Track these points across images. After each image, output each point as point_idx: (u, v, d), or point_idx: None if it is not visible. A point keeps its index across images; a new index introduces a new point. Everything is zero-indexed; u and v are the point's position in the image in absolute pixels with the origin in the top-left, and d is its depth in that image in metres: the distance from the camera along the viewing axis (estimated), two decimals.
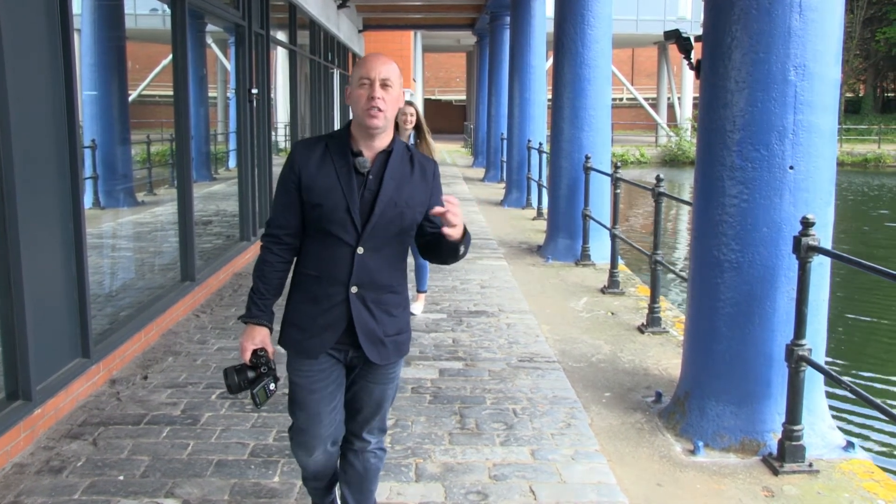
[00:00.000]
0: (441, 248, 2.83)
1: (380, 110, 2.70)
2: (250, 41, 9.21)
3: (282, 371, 2.99)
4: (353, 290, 2.79)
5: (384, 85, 2.71)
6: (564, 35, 9.22)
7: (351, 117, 2.85)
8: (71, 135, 4.68)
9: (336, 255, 2.78)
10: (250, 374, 2.82)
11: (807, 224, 3.91)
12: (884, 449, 6.77)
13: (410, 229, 2.85)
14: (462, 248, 2.80)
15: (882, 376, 8.69)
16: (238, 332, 6.32)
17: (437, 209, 2.68)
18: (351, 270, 2.77)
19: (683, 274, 5.87)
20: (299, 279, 2.88)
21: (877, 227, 19.93)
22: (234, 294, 7.56)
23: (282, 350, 2.95)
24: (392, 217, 2.78)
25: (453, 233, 2.69)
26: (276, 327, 2.91)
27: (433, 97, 56.79)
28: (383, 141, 2.82)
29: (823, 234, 4.08)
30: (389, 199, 2.77)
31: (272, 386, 2.86)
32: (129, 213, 7.46)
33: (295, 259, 2.92)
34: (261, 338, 2.85)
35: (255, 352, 2.83)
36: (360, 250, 2.76)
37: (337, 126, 19.60)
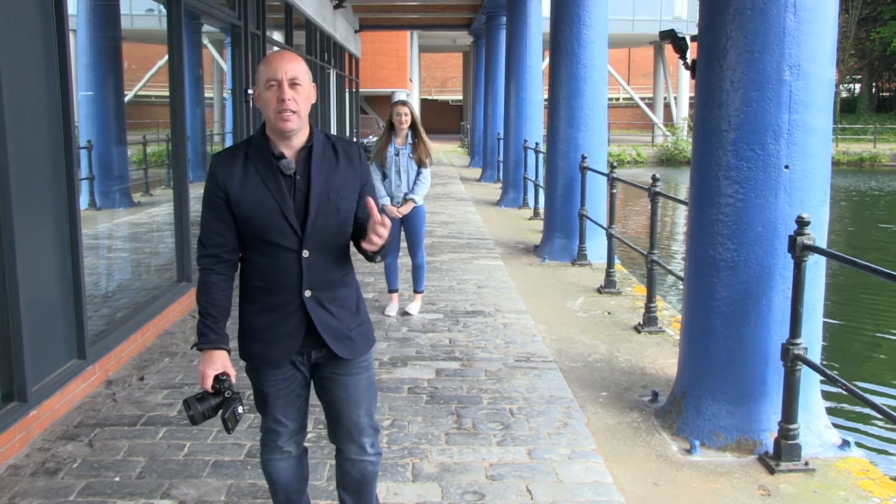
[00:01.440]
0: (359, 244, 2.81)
1: (292, 112, 2.63)
2: (246, 41, 9.21)
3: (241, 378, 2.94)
4: (307, 293, 2.73)
5: (293, 84, 2.62)
6: (560, 35, 9.23)
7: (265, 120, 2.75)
8: (66, 135, 4.67)
9: (282, 263, 2.71)
10: (213, 402, 2.72)
11: (802, 223, 3.92)
12: (879, 447, 6.78)
13: (348, 219, 2.78)
14: (377, 258, 2.79)
15: (876, 375, 8.71)
16: (234, 333, 6.29)
17: (372, 209, 2.63)
18: (301, 275, 2.71)
19: (680, 273, 5.88)
20: (249, 291, 2.81)
21: (867, 228, 19.93)
22: None
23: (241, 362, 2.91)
24: (328, 212, 2.70)
25: (370, 246, 2.68)
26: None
27: (430, 97, 56.81)
28: (301, 138, 2.74)
29: (818, 234, 4.08)
30: (321, 194, 2.70)
31: (240, 409, 2.77)
32: (125, 214, 7.45)
33: (236, 273, 2.85)
34: (221, 362, 2.76)
35: (216, 377, 2.73)
36: (305, 253, 2.70)
37: (333, 127, 19.59)
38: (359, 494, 3.09)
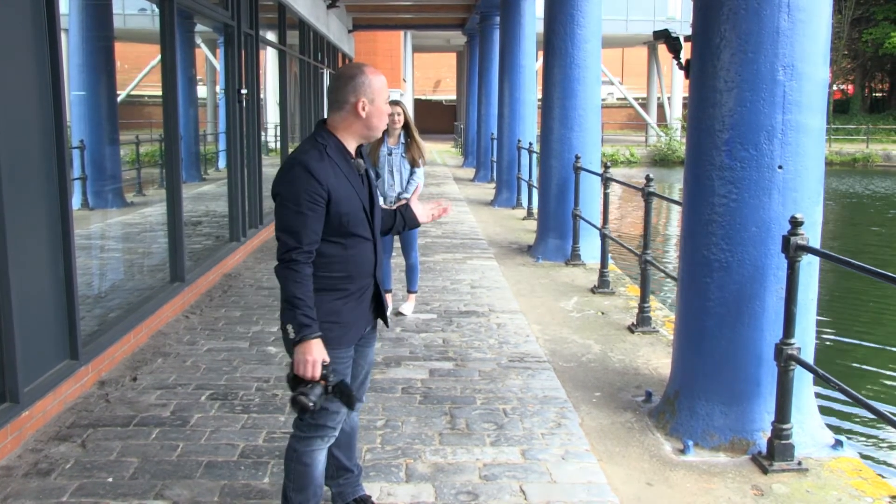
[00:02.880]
0: (394, 223, 3.37)
1: None
2: (239, 41, 9.18)
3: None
4: (376, 276, 3.15)
5: None
6: (554, 35, 9.23)
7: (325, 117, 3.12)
8: (59, 135, 4.65)
9: (363, 252, 3.06)
10: (321, 388, 2.87)
11: (795, 223, 3.93)
12: (872, 446, 6.80)
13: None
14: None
15: (870, 375, 8.73)
16: (227, 333, 6.30)
17: (436, 213, 3.40)
18: (375, 261, 3.12)
19: (673, 273, 5.88)
20: (326, 282, 2.98)
21: (856, 232, 19.96)
22: (224, 295, 7.53)
23: None
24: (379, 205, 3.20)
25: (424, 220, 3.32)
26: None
27: (424, 97, 56.77)
28: None
29: (812, 234, 4.09)
30: (376, 188, 3.19)
31: (346, 381, 3.00)
32: (118, 214, 7.43)
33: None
34: (323, 349, 2.90)
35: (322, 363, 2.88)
36: (376, 242, 3.13)
37: None
38: (349, 448, 3.46)
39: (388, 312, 6.81)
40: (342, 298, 3.01)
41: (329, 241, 2.96)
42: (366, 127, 3.02)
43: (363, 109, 2.97)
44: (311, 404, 2.82)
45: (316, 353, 2.85)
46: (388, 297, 7.07)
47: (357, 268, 3.03)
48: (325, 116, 3.10)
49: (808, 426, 4.32)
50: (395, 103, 6.76)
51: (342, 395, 2.90)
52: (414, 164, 6.64)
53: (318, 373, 2.85)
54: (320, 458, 3.15)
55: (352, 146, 3.07)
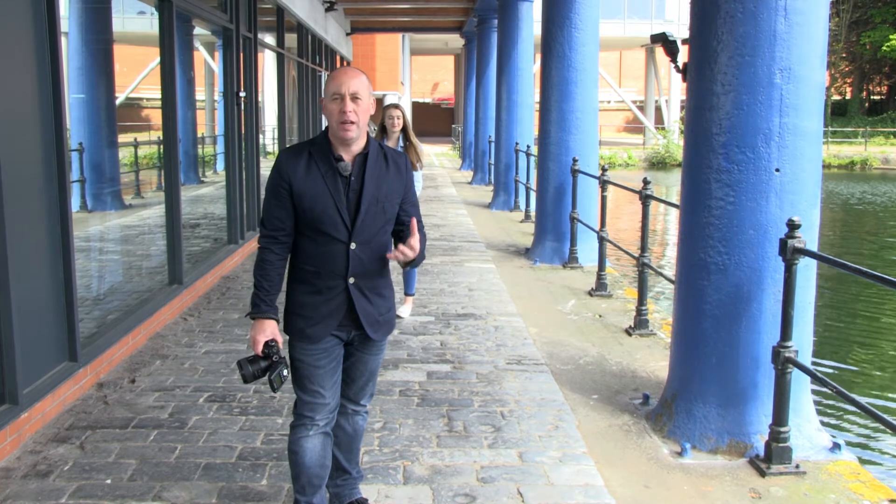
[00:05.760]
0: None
1: (352, 122, 2.98)
2: (238, 44, 9.19)
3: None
4: (351, 280, 3.09)
5: (354, 98, 2.98)
6: (551, 38, 9.24)
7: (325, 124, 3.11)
8: (58, 138, 4.66)
9: (332, 252, 3.05)
10: (262, 364, 3.08)
11: (793, 226, 3.94)
12: (870, 450, 6.81)
13: (392, 220, 3.18)
14: (407, 267, 3.13)
15: (868, 377, 8.74)
16: (225, 335, 6.31)
17: (413, 229, 3.03)
18: (347, 264, 3.07)
19: (671, 276, 5.89)
20: (298, 274, 3.14)
21: (848, 235, 19.98)
22: (222, 297, 7.53)
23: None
24: (376, 212, 3.08)
25: (400, 256, 3.02)
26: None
27: (422, 100, 56.79)
28: (359, 144, 3.09)
29: (809, 236, 4.10)
30: (372, 196, 3.06)
31: (285, 372, 3.12)
32: (117, 217, 7.43)
33: (289, 255, 3.18)
34: (271, 330, 3.09)
35: (266, 343, 3.07)
36: (352, 245, 3.05)
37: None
38: (349, 451, 3.49)
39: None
40: (310, 294, 3.10)
41: (304, 235, 3.08)
42: (330, 126, 3.06)
43: (324, 109, 3.06)
44: (241, 372, 3.06)
45: (258, 332, 3.07)
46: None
47: (325, 266, 3.06)
48: None
49: (806, 429, 4.33)
50: (393, 107, 6.76)
51: (272, 378, 3.07)
52: (412, 168, 6.64)
53: (258, 349, 3.06)
54: (307, 447, 3.20)
55: (342, 149, 3.06)
